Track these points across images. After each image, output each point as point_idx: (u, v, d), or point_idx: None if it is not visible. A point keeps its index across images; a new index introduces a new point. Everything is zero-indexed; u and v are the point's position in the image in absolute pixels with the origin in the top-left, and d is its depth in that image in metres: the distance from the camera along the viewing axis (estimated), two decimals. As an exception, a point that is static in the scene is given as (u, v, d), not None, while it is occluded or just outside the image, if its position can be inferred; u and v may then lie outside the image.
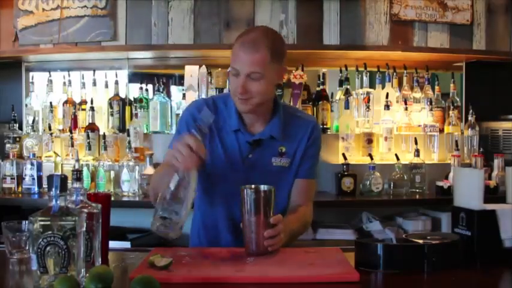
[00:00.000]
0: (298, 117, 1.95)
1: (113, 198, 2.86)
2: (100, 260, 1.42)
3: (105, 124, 3.39)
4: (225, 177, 1.86)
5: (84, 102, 3.41)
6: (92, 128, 3.26)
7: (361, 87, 3.35)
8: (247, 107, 1.79)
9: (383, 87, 3.36)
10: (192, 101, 2.12)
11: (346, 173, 3.11)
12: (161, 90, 3.36)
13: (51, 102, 3.34)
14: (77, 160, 2.99)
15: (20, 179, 3.12)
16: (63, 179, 1.28)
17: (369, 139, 3.25)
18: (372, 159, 3.16)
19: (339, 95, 3.37)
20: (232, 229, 1.86)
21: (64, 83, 3.44)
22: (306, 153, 1.91)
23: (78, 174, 1.42)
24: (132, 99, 3.40)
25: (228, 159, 1.86)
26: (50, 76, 3.45)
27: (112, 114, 3.37)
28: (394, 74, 3.40)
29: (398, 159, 3.16)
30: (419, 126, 3.31)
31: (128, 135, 3.18)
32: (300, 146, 1.90)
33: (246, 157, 1.86)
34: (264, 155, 1.87)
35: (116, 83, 3.40)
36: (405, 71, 3.42)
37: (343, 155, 3.16)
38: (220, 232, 1.90)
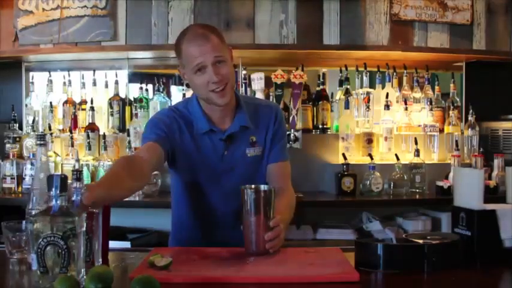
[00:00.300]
0: (260, 105, 1.99)
1: (113, 198, 2.86)
2: (100, 259, 1.42)
3: (105, 124, 3.39)
4: (204, 178, 1.90)
5: (84, 102, 3.41)
6: (92, 128, 3.26)
7: (361, 87, 3.35)
8: (225, 97, 1.81)
9: (383, 87, 3.36)
10: (159, 111, 2.11)
11: (346, 173, 3.11)
12: (161, 90, 3.36)
13: (51, 102, 3.34)
14: (77, 160, 3.00)
15: (20, 179, 3.11)
16: (63, 179, 1.28)
17: (369, 139, 3.25)
18: (372, 159, 3.16)
19: (339, 95, 3.37)
20: (213, 227, 1.91)
21: (64, 83, 3.44)
22: (274, 137, 1.95)
23: (78, 174, 1.43)
24: (132, 99, 3.40)
25: (206, 161, 1.89)
26: (50, 76, 3.45)
27: (112, 114, 3.37)
28: (394, 74, 3.40)
29: (398, 159, 3.16)
30: (419, 126, 3.30)
31: (128, 135, 3.19)
32: (268, 132, 1.94)
33: (223, 155, 1.89)
34: (239, 149, 1.90)
35: (116, 83, 3.40)
36: (405, 71, 3.42)
37: (343, 155, 3.16)
38: (199, 231, 1.94)
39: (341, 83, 3.38)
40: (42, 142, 1.57)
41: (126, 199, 3.02)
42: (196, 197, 1.93)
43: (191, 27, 1.87)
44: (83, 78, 3.48)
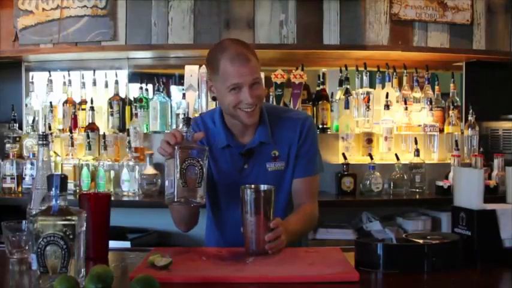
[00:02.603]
0: (286, 118, 1.94)
1: (113, 198, 2.87)
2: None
3: (105, 124, 3.39)
4: (225, 192, 1.90)
5: (84, 102, 3.41)
6: (92, 127, 3.26)
7: (361, 87, 3.35)
8: (253, 117, 1.81)
9: (383, 87, 3.36)
10: None
11: (346, 173, 3.11)
12: (161, 90, 3.35)
13: (51, 102, 3.34)
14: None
15: (20, 179, 3.12)
16: (63, 178, 1.28)
17: (369, 139, 3.25)
18: (372, 159, 3.16)
19: (339, 94, 3.37)
20: (238, 237, 1.87)
21: (64, 83, 3.44)
22: (299, 152, 1.91)
23: (187, 121, 1.65)
24: (132, 99, 3.40)
25: (225, 175, 1.88)
26: (50, 76, 3.45)
27: (112, 114, 3.37)
28: (394, 73, 3.39)
29: (398, 159, 3.16)
30: (419, 126, 3.30)
31: (128, 135, 3.18)
32: (292, 146, 1.90)
33: (242, 169, 1.89)
34: (259, 163, 1.89)
35: (116, 82, 3.40)
36: (405, 71, 3.42)
37: (343, 154, 3.16)
38: (223, 242, 1.92)
39: (341, 83, 3.38)
40: (44, 142, 1.57)
41: (126, 199, 3.07)
42: (219, 210, 1.94)
43: (230, 44, 1.81)
44: (83, 78, 3.48)
